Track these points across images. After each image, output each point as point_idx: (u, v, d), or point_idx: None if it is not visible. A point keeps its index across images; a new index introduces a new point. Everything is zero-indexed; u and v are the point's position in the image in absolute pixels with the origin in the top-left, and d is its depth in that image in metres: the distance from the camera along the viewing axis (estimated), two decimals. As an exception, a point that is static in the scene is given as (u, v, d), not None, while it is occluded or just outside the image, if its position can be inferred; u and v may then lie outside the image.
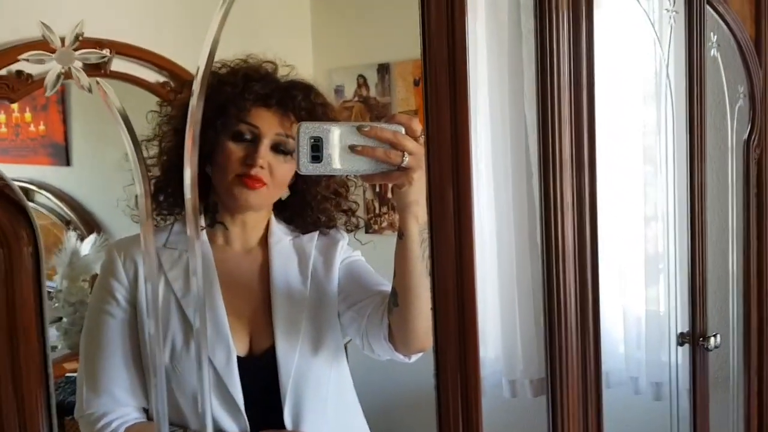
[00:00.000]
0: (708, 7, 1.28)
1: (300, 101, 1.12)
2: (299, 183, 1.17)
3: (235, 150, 1.09)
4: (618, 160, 2.02)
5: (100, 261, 2.03)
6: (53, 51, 0.40)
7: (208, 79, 1.10)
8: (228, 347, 1.09)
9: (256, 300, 1.16)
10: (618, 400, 2.13)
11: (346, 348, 1.24)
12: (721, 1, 1.35)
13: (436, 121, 0.48)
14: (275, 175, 1.10)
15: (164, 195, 1.16)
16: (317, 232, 1.23)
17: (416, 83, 2.65)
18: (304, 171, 0.85)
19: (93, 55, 0.41)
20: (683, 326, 1.29)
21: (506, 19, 2.25)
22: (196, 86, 0.45)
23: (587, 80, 0.78)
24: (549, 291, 0.77)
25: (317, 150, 0.85)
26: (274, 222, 1.21)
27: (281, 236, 1.20)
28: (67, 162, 2.28)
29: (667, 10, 1.28)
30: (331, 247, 1.22)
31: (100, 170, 2.29)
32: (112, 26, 1.93)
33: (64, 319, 2.08)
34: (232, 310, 1.13)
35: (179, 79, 2.04)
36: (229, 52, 1.14)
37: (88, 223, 2.27)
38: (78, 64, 0.40)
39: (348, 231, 1.26)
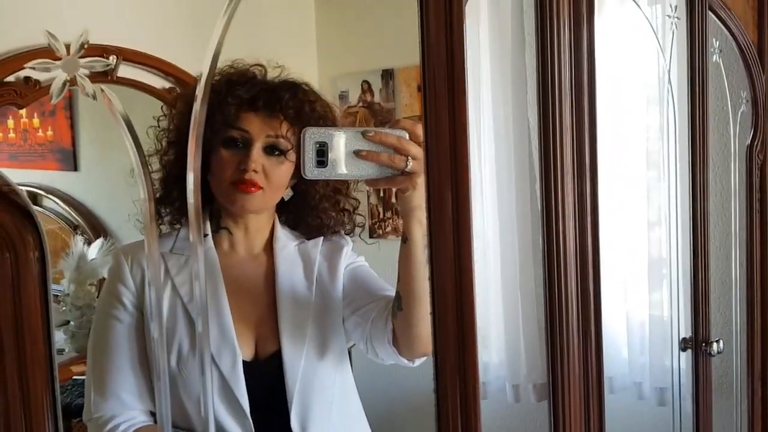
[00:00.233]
0: (710, 13, 1.28)
1: (287, 101, 1.11)
2: (300, 183, 1.17)
3: (229, 156, 1.09)
4: (622, 166, 2.02)
5: (107, 265, 2.04)
6: (59, 59, 0.41)
7: (227, 80, 1.10)
8: (234, 351, 1.10)
9: (262, 305, 1.16)
10: (622, 405, 2.13)
11: (349, 352, 1.25)
12: (723, 7, 1.35)
13: (435, 127, 0.49)
14: (270, 178, 1.10)
15: (170, 206, 1.17)
16: (322, 238, 1.23)
17: (420, 89, 2.66)
18: (309, 176, 0.86)
19: (98, 64, 0.42)
20: (686, 331, 1.29)
21: (509, 25, 2.26)
22: (199, 91, 0.46)
23: (588, 86, 0.78)
24: (550, 296, 0.77)
25: (322, 155, 0.86)
26: (279, 228, 1.21)
27: (286, 242, 1.21)
28: (75, 167, 2.30)
29: (669, 16, 1.28)
30: (336, 253, 1.22)
31: (107, 175, 2.30)
32: (118, 33, 1.95)
33: (72, 323, 2.09)
34: (238, 314, 1.13)
35: (185, 85, 2.06)
36: (248, 60, 1.15)
37: (95, 228, 2.28)
38: (83, 71, 0.41)
39: (347, 233, 1.25)
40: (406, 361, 1.10)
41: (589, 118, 0.78)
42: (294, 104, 1.11)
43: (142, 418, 1.11)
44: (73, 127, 2.26)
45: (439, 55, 0.48)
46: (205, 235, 1.16)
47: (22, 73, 1.72)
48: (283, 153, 1.11)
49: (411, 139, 0.88)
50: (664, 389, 2.05)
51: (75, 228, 2.28)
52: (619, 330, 2.17)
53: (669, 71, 1.33)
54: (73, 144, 2.26)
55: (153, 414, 1.12)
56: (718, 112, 1.64)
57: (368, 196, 2.69)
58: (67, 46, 0.42)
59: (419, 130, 0.87)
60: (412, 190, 0.92)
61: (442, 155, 0.48)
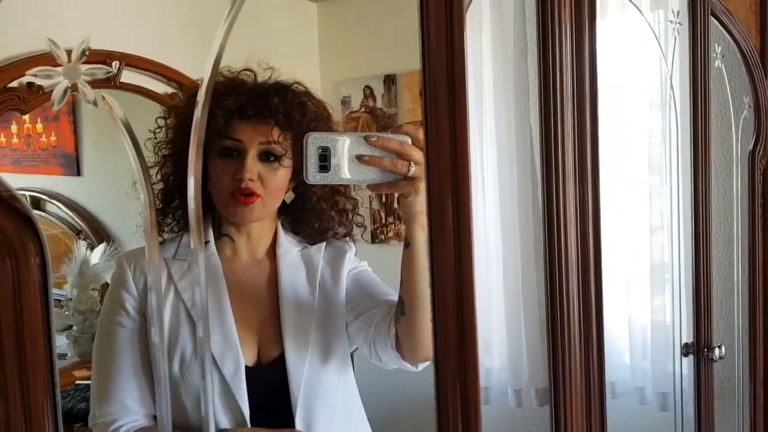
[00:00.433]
0: (712, 18, 1.28)
1: (276, 105, 1.10)
2: (299, 185, 1.17)
3: (224, 166, 1.09)
4: (624, 171, 2.02)
5: (110, 270, 2.05)
6: (60, 65, 0.41)
7: (214, 91, 1.11)
8: (237, 356, 1.10)
9: (265, 310, 1.16)
10: (624, 410, 2.12)
11: (351, 356, 1.25)
12: (725, 12, 1.35)
13: (435, 133, 0.49)
14: (268, 184, 1.10)
15: (170, 215, 1.17)
16: (324, 243, 1.23)
17: (422, 94, 2.66)
18: (312, 180, 0.86)
19: (100, 71, 0.42)
20: (688, 336, 1.29)
21: (511, 31, 2.26)
22: (201, 96, 0.46)
23: (590, 91, 0.78)
24: (552, 300, 0.77)
25: (325, 160, 0.86)
26: (281, 233, 1.21)
27: (289, 247, 1.21)
28: (78, 172, 2.30)
29: (671, 22, 1.28)
30: (339, 258, 1.22)
31: (110, 180, 2.30)
32: (121, 38, 1.96)
33: (74, 328, 2.09)
34: (241, 320, 1.13)
35: (188, 90, 2.06)
36: (237, 65, 1.15)
37: (98, 233, 2.28)
38: (85, 78, 0.41)
39: (346, 234, 1.25)
40: (409, 366, 1.10)
41: (590, 123, 0.78)
42: (284, 108, 1.11)
43: (143, 422, 1.11)
44: (76, 132, 2.26)
45: (439, 61, 0.48)
46: (208, 242, 1.16)
47: (25, 79, 1.73)
48: (277, 158, 1.11)
49: (413, 144, 0.88)
50: (666, 394, 2.04)
51: (78, 233, 2.28)
52: (621, 335, 2.17)
53: (671, 76, 1.33)
54: (76, 149, 2.27)
55: (155, 418, 1.12)
56: (721, 117, 1.64)
57: (370, 201, 2.69)
58: (69, 53, 0.43)
59: (421, 135, 0.87)
60: (414, 195, 0.92)
61: (443, 161, 0.48)
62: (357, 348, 1.20)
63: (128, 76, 1.99)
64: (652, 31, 1.31)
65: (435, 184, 0.48)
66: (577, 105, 0.77)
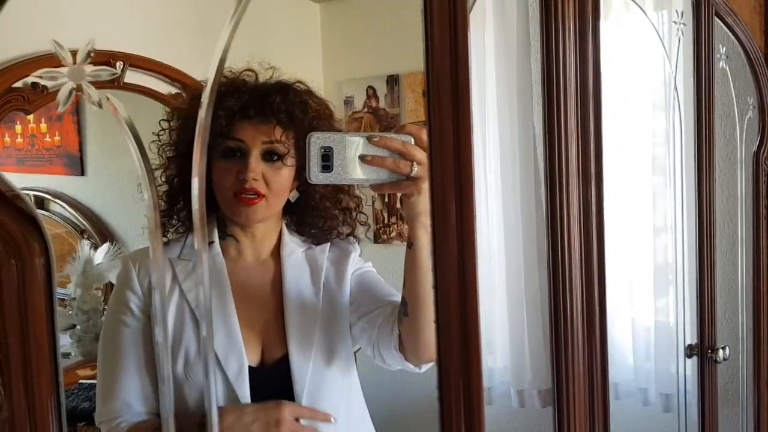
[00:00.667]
0: (716, 19, 1.28)
1: (278, 104, 1.10)
2: (302, 184, 1.17)
3: (228, 167, 1.10)
4: (628, 171, 2.02)
5: (113, 270, 2.06)
6: (66, 67, 0.41)
7: (217, 90, 1.11)
8: (240, 357, 1.10)
9: (269, 311, 1.16)
10: (627, 411, 2.12)
11: (355, 357, 1.25)
12: (730, 13, 1.35)
13: (439, 133, 0.49)
14: (271, 184, 1.10)
15: (175, 216, 1.17)
16: (329, 244, 1.23)
17: (425, 94, 2.66)
18: (314, 180, 0.86)
19: (104, 72, 0.42)
20: (692, 338, 1.29)
21: (515, 31, 2.26)
22: (205, 97, 0.46)
23: (594, 92, 0.78)
24: (555, 301, 0.77)
25: (327, 160, 0.86)
26: (286, 233, 1.22)
27: (294, 248, 1.21)
28: (82, 172, 2.31)
29: (675, 22, 1.28)
30: (343, 259, 1.22)
31: (114, 180, 2.31)
32: (125, 38, 1.96)
33: (78, 327, 2.09)
34: (245, 320, 1.13)
35: (191, 91, 2.06)
36: (241, 65, 1.15)
37: (102, 232, 2.29)
38: (89, 80, 0.41)
39: (350, 233, 1.25)
40: (412, 367, 1.10)
41: (594, 124, 0.78)
42: (286, 107, 1.11)
43: (144, 419, 1.11)
44: (80, 132, 2.27)
45: (443, 61, 0.48)
46: (212, 242, 1.16)
47: (29, 79, 1.73)
48: (280, 158, 1.11)
49: (416, 144, 0.88)
50: (669, 395, 2.04)
51: (82, 232, 2.28)
52: (624, 336, 2.17)
53: (675, 77, 1.33)
54: (80, 149, 2.27)
55: (159, 416, 1.12)
56: (725, 118, 1.64)
57: (373, 201, 2.70)
58: (74, 54, 0.43)
59: (425, 135, 0.86)
60: (417, 195, 0.91)
61: (446, 161, 0.48)
62: (360, 348, 1.20)
63: (132, 77, 2.00)
64: (656, 31, 1.31)
65: (438, 184, 0.48)
66: (581, 105, 0.77)
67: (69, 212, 2.29)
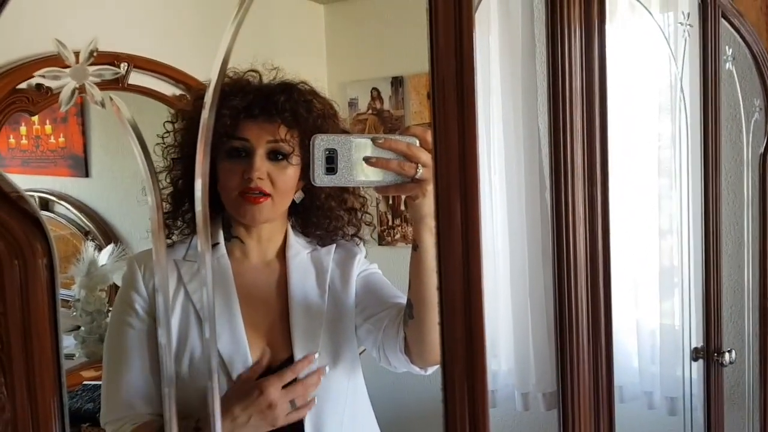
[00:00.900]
0: (723, 21, 1.28)
1: (283, 104, 1.10)
2: (308, 185, 1.17)
3: (233, 167, 1.09)
4: (634, 174, 2.01)
5: (117, 271, 2.06)
6: (69, 67, 0.41)
7: (220, 92, 1.11)
8: (245, 359, 1.10)
9: (274, 312, 1.16)
10: (632, 414, 2.11)
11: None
12: (736, 15, 1.34)
13: (444, 135, 0.48)
14: (277, 183, 1.10)
15: (180, 218, 1.18)
16: (334, 245, 1.23)
17: (430, 96, 2.66)
18: (318, 183, 0.86)
19: (107, 72, 0.42)
20: (698, 341, 1.28)
21: (520, 32, 2.26)
22: (208, 98, 0.46)
23: (600, 93, 0.78)
24: (560, 303, 0.77)
25: (332, 162, 0.85)
26: (291, 235, 1.21)
27: (299, 249, 1.21)
28: (86, 173, 2.31)
29: (681, 24, 1.27)
30: (349, 260, 1.22)
31: (118, 182, 2.32)
32: (129, 40, 1.96)
33: (82, 328, 2.10)
34: (250, 322, 1.13)
35: (195, 92, 2.06)
36: (244, 66, 1.15)
37: (106, 234, 2.30)
38: (92, 80, 0.41)
39: (355, 233, 1.25)
40: (418, 370, 1.10)
41: (600, 126, 0.77)
42: (290, 106, 1.11)
43: (147, 419, 1.11)
44: (84, 133, 2.28)
45: (448, 62, 0.48)
46: (217, 244, 1.16)
47: (34, 81, 1.74)
48: (285, 157, 1.11)
49: (421, 146, 0.87)
50: (674, 399, 2.03)
51: (86, 234, 2.29)
52: (629, 339, 2.16)
53: (681, 79, 1.32)
54: (85, 150, 2.28)
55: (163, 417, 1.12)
56: (731, 120, 1.63)
57: (377, 203, 2.69)
58: (77, 54, 0.43)
59: (429, 137, 0.86)
60: (422, 197, 0.91)
61: (451, 163, 0.48)
62: (364, 349, 1.20)
63: (136, 78, 2.00)
64: (662, 32, 1.30)
65: (443, 186, 0.48)
66: (587, 106, 0.77)
67: (73, 214, 2.30)
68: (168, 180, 1.17)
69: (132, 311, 1.13)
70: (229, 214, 1.15)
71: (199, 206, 0.45)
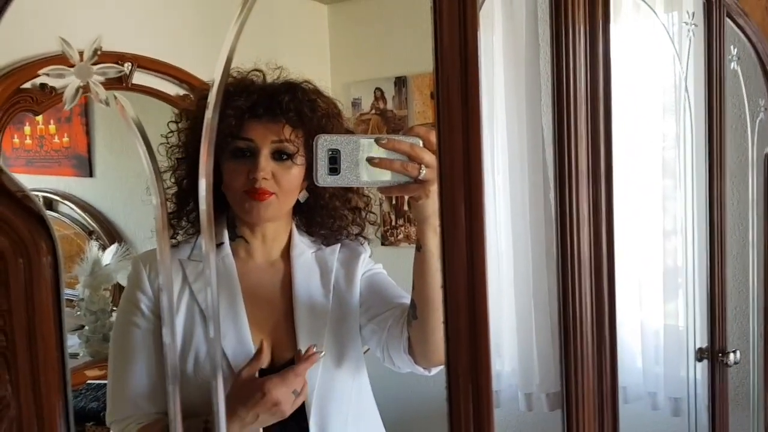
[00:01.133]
0: (728, 20, 1.27)
1: (287, 103, 1.10)
2: (312, 184, 1.17)
3: (238, 167, 1.09)
4: (638, 174, 2.01)
5: (122, 270, 2.06)
6: (73, 66, 0.41)
7: (224, 91, 1.12)
8: (250, 358, 1.10)
9: (279, 312, 1.16)
10: (636, 415, 2.11)
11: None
12: (741, 14, 1.34)
13: (448, 135, 0.48)
14: (281, 183, 1.10)
15: (185, 218, 1.18)
16: (339, 245, 1.23)
17: (433, 96, 2.66)
18: (322, 183, 0.86)
19: (111, 70, 0.42)
20: (702, 341, 1.28)
21: (523, 32, 2.26)
22: (212, 98, 0.46)
23: (604, 93, 0.78)
24: (564, 304, 0.77)
25: (335, 162, 0.85)
26: (296, 234, 1.21)
27: (304, 249, 1.21)
28: (90, 173, 2.32)
29: (686, 23, 1.27)
30: (353, 260, 1.22)
31: (122, 182, 2.32)
32: (133, 40, 1.97)
33: (86, 327, 2.10)
34: (255, 321, 1.13)
35: (199, 92, 2.07)
36: (248, 66, 1.15)
37: (110, 233, 2.30)
38: (97, 78, 0.41)
39: (359, 233, 1.25)
40: (422, 370, 1.10)
41: (604, 126, 0.77)
42: (294, 106, 1.11)
43: (155, 419, 1.11)
44: (88, 133, 2.28)
45: (452, 62, 0.48)
46: (222, 243, 1.16)
47: (38, 80, 1.74)
48: (290, 156, 1.11)
49: (425, 146, 0.87)
50: (679, 399, 2.03)
51: (90, 233, 2.29)
52: (633, 339, 2.16)
53: (686, 79, 1.32)
54: (89, 150, 2.29)
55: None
56: (736, 120, 1.62)
57: (380, 204, 2.69)
58: (81, 53, 0.43)
59: (433, 137, 0.86)
60: (425, 198, 0.91)
61: (455, 164, 0.48)
62: (368, 349, 1.20)
63: (140, 78, 2.01)
64: (667, 32, 1.30)
65: (447, 187, 0.48)
66: (591, 107, 0.76)
67: (77, 213, 2.30)
68: (172, 180, 1.17)
69: (137, 311, 1.13)
70: (234, 213, 1.15)
71: (203, 206, 0.45)
